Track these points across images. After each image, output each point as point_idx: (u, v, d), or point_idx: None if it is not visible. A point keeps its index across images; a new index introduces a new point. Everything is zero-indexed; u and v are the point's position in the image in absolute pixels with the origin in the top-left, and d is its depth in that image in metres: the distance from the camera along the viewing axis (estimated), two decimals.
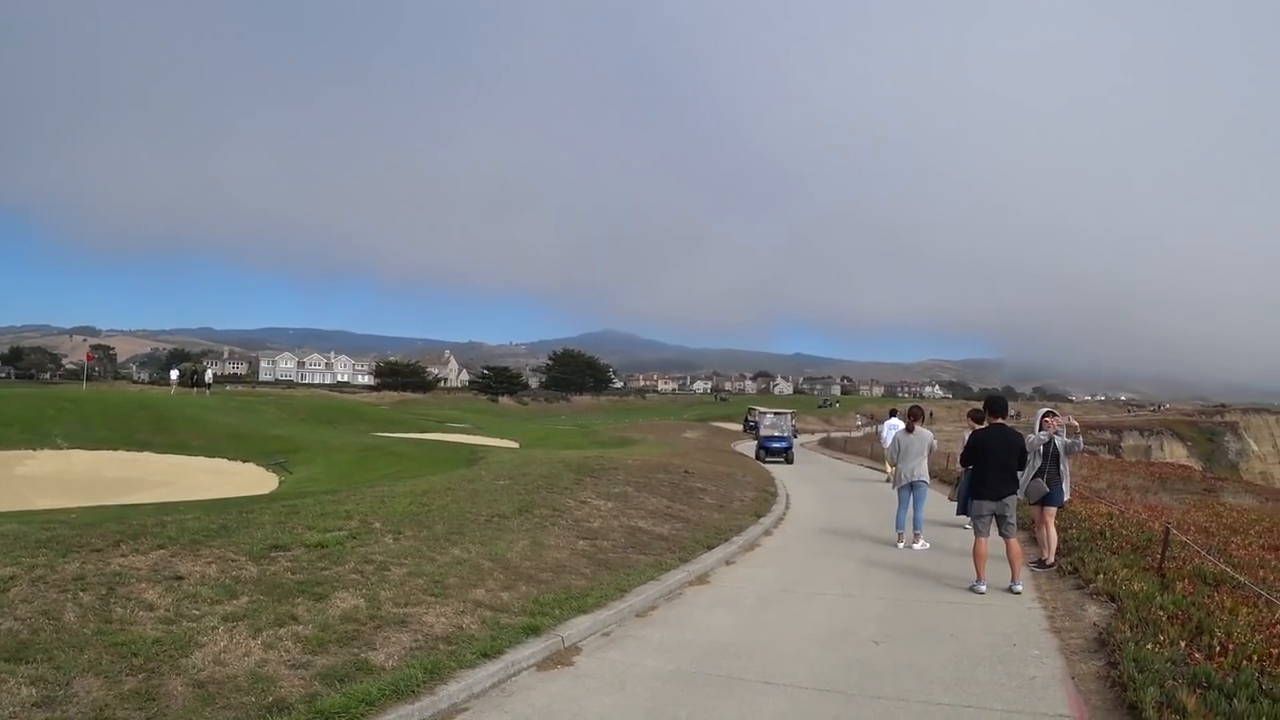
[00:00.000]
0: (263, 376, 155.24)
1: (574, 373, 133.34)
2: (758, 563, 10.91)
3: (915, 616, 8.19)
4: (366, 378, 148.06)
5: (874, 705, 5.71)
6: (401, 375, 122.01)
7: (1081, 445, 10.83)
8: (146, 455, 27.15)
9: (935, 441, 12.62)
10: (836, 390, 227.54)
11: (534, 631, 6.65)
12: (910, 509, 12.19)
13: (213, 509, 9.88)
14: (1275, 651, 6.22)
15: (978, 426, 10.59)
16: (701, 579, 9.58)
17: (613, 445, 33.89)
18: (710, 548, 10.95)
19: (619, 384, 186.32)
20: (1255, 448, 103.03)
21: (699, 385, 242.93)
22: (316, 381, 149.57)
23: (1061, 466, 10.44)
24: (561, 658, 6.49)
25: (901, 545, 11.93)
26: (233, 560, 7.42)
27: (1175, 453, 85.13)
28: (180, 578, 6.79)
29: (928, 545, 11.85)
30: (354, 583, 7.30)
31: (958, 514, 13.71)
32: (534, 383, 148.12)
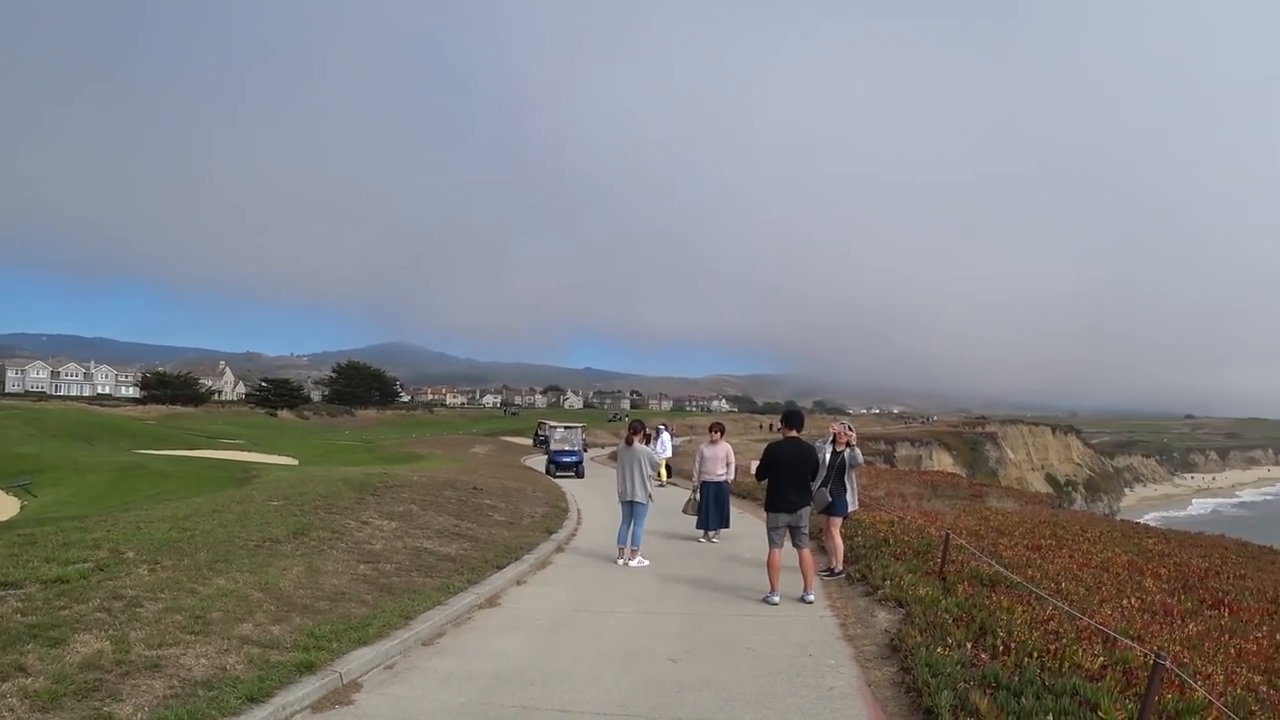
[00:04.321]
0: (10, 388, 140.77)
1: (359, 385, 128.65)
2: (550, 581, 10.58)
3: (712, 631, 8.07)
4: (131, 390, 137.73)
5: None
6: (171, 387, 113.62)
7: (861, 458, 11.14)
8: None
9: (658, 457, 12.54)
10: (626, 404, 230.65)
11: (308, 668, 5.99)
12: (630, 526, 11.97)
13: None
14: (1053, 648, 6.53)
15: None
16: (492, 601, 9.14)
17: (398, 461, 32.80)
18: (500, 567, 10.51)
19: (406, 397, 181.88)
20: (1012, 455, 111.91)
21: (489, 399, 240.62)
22: (73, 394, 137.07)
23: (847, 478, 10.69)
24: (340, 696, 5.89)
25: (620, 562, 11.74)
26: None
27: (943, 461, 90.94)
28: None
29: (646, 562, 11.71)
30: (99, 623, 6.41)
31: (697, 527, 13.92)
32: (316, 396, 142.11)
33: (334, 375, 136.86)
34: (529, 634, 7.90)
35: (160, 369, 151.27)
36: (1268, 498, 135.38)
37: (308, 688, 5.71)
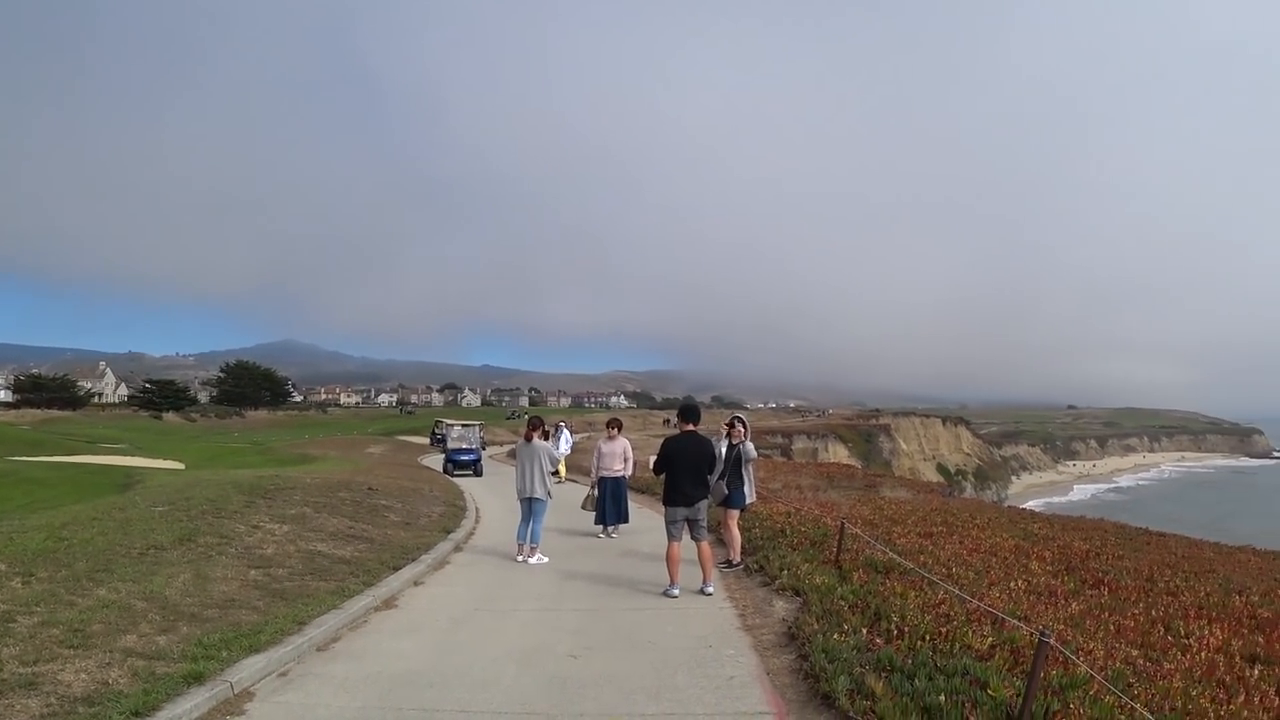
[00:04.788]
0: None
1: (249, 386, 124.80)
2: (449, 581, 10.45)
3: (613, 626, 8.09)
4: (3, 393, 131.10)
5: None
6: (47, 390, 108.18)
7: (754, 452, 11.30)
8: None
9: (557, 453, 12.50)
10: (525, 401, 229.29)
11: (197, 679, 5.77)
12: (529, 523, 11.92)
13: None
14: (944, 630, 6.77)
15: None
16: (389, 603, 8.98)
17: (291, 463, 32.01)
18: (397, 569, 10.33)
19: (299, 398, 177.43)
20: (904, 446, 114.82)
21: (384, 398, 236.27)
22: None
23: (744, 471, 10.84)
24: (231, 706, 5.70)
25: (519, 559, 11.71)
26: None
27: (838, 453, 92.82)
28: None
29: (546, 559, 11.69)
30: None
31: (596, 523, 13.96)
32: (204, 397, 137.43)
33: (222, 375, 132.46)
34: (427, 635, 7.78)
35: (35, 371, 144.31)
36: (1143, 482, 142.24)
37: (196, 699, 5.50)
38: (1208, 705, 5.71)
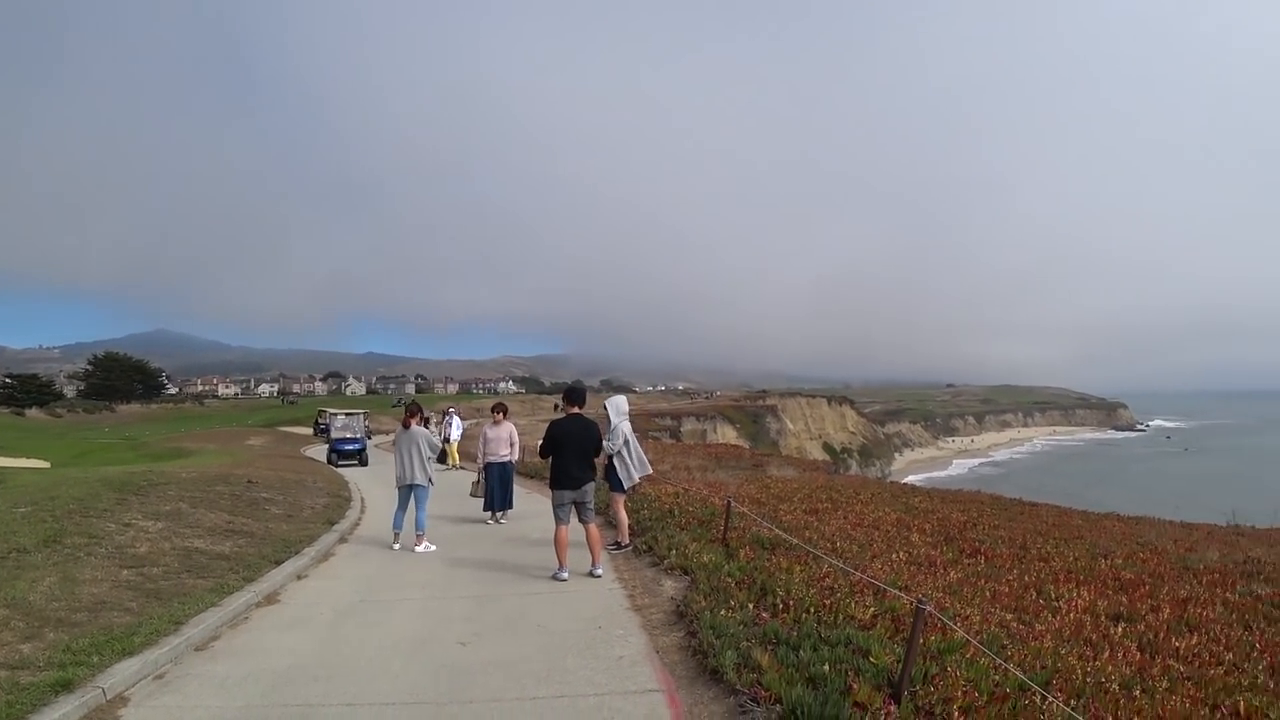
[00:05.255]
0: None
1: (119, 379, 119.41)
2: (333, 574, 10.23)
3: (501, 612, 8.05)
4: None
5: (466, 710, 5.46)
6: None
7: (613, 446, 11.13)
8: None
9: (436, 439, 12.38)
10: (411, 389, 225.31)
11: (66, 687, 5.51)
12: (411, 510, 11.85)
13: None
14: (828, 602, 7.01)
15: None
16: (271, 598, 8.74)
17: (165, 457, 30.89)
18: (279, 563, 10.07)
19: (174, 390, 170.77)
20: (791, 426, 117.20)
21: (265, 388, 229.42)
22: None
23: (627, 453, 10.87)
24: (103, 714, 5.47)
25: (396, 547, 11.63)
26: None
27: (727, 434, 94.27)
28: None
29: (433, 547, 11.62)
30: None
31: (484, 509, 13.91)
32: (70, 391, 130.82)
33: (90, 368, 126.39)
34: (312, 629, 7.62)
35: None
36: (1017, 456, 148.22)
37: (65, 708, 5.26)
38: (1075, 663, 6.07)
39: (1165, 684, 5.92)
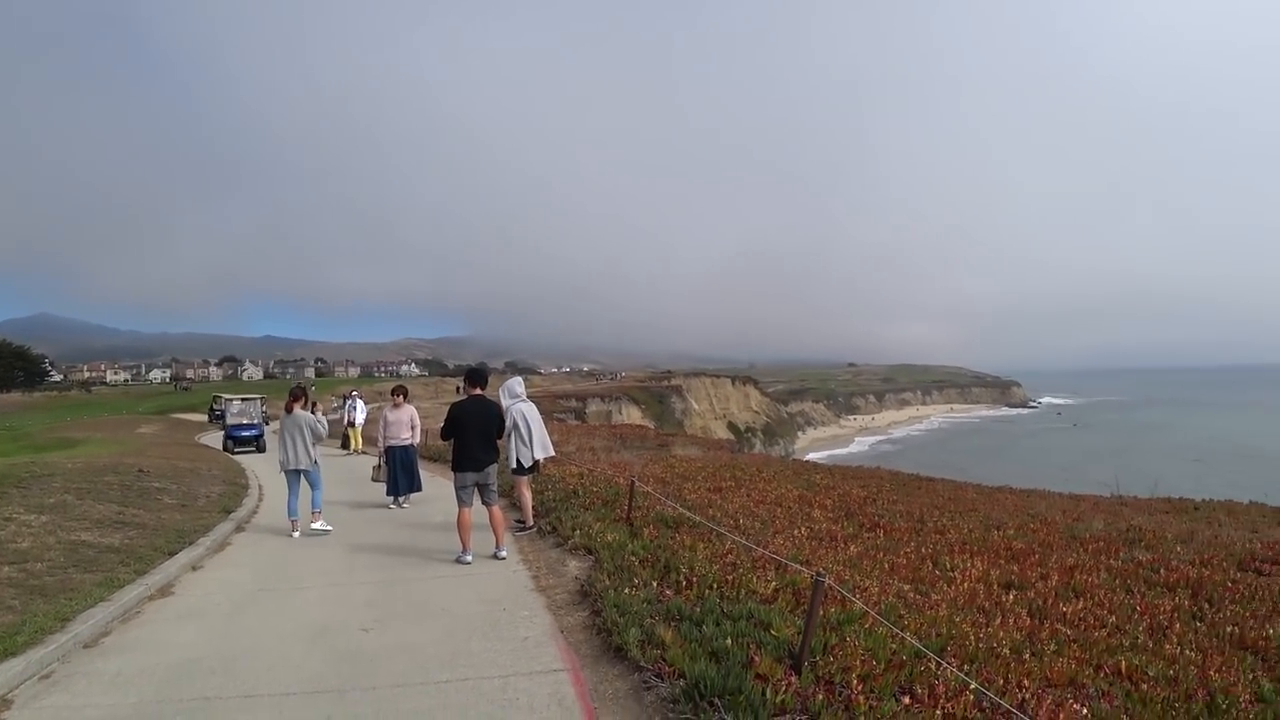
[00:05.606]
0: None
1: None
2: (230, 563, 9.96)
3: (405, 597, 7.97)
4: None
5: (370, 697, 5.39)
6: None
7: (510, 420, 11.08)
8: None
9: (323, 424, 12.18)
10: (311, 373, 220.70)
11: None
12: (306, 494, 11.75)
13: None
14: (731, 578, 7.13)
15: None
16: (164, 591, 8.47)
17: (50, 448, 29.58)
18: (173, 554, 9.76)
19: (58, 377, 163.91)
20: (696, 406, 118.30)
21: (157, 374, 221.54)
22: None
23: (524, 433, 10.80)
24: None
25: (296, 534, 11.46)
26: None
27: (632, 415, 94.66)
28: None
29: (330, 528, 11.58)
30: None
31: (387, 494, 13.78)
32: None
33: None
34: (208, 621, 7.41)
35: None
36: (915, 433, 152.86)
37: None
38: (969, 630, 6.30)
39: (1053, 647, 6.20)
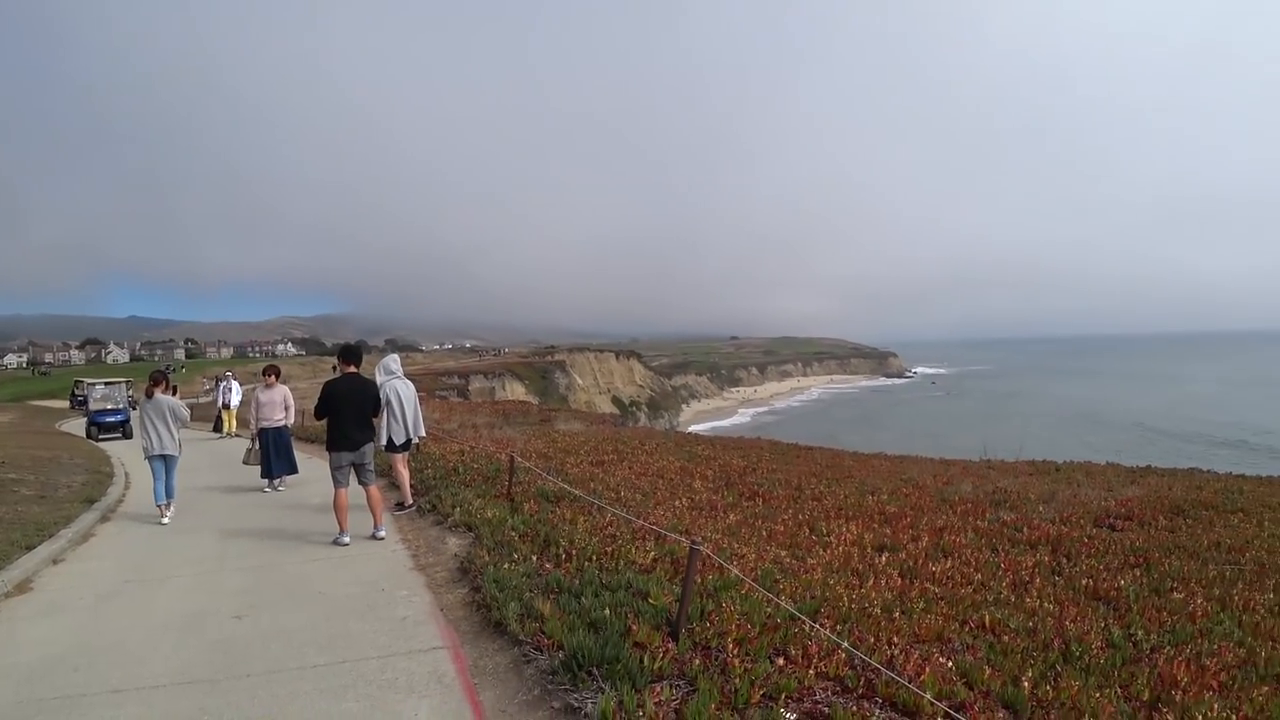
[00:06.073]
0: None
1: None
2: (94, 555, 9.55)
3: (280, 582, 7.79)
4: None
5: (244, 685, 5.25)
6: None
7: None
8: None
9: (186, 410, 11.88)
10: (180, 354, 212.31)
11: None
12: (164, 480, 11.46)
13: None
14: (609, 549, 7.23)
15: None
16: (22, 587, 8.06)
17: None
18: (31, 548, 9.30)
19: None
20: (580, 381, 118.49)
21: (12, 358, 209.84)
22: None
23: (397, 411, 10.65)
24: None
25: (165, 521, 11.18)
26: None
27: (515, 391, 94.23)
28: None
29: (172, 514, 11.37)
30: None
31: (261, 477, 13.50)
32: None
33: None
34: (71, 616, 7.09)
35: None
36: (796, 404, 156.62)
37: None
38: (843, 591, 6.53)
39: (922, 605, 6.48)
